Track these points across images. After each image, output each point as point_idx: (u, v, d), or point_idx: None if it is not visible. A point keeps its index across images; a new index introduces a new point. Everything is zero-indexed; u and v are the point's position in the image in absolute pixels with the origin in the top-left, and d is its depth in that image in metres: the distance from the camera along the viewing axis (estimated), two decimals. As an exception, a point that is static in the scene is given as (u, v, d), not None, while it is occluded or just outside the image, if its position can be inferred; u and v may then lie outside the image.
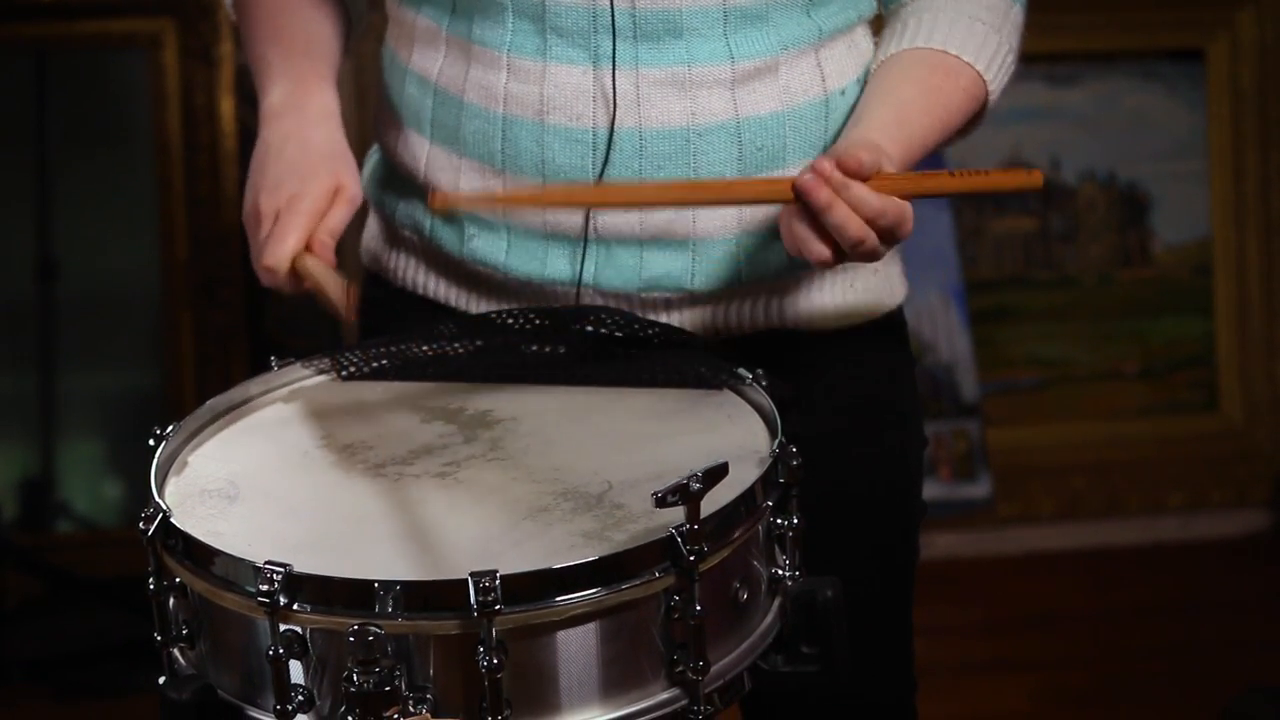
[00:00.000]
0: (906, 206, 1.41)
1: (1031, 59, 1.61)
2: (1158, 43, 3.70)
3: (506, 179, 1.54)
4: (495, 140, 1.54)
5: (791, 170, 1.54)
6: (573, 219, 1.53)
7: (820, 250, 1.41)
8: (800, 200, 1.40)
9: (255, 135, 1.56)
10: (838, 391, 1.63)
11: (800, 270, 1.59)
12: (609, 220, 1.53)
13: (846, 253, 1.41)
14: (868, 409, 1.66)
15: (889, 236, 1.41)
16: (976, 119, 1.59)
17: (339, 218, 1.49)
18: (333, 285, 1.42)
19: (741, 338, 1.59)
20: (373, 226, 1.72)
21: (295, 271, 1.46)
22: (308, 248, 1.47)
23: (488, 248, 1.58)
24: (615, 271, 1.54)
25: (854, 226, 1.39)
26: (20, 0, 3.39)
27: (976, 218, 3.68)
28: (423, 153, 1.60)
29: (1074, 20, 3.60)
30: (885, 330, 1.67)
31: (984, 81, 1.56)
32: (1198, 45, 3.70)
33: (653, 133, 1.51)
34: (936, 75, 1.55)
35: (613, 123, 1.51)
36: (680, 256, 1.55)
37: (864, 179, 1.39)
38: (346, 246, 1.84)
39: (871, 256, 1.42)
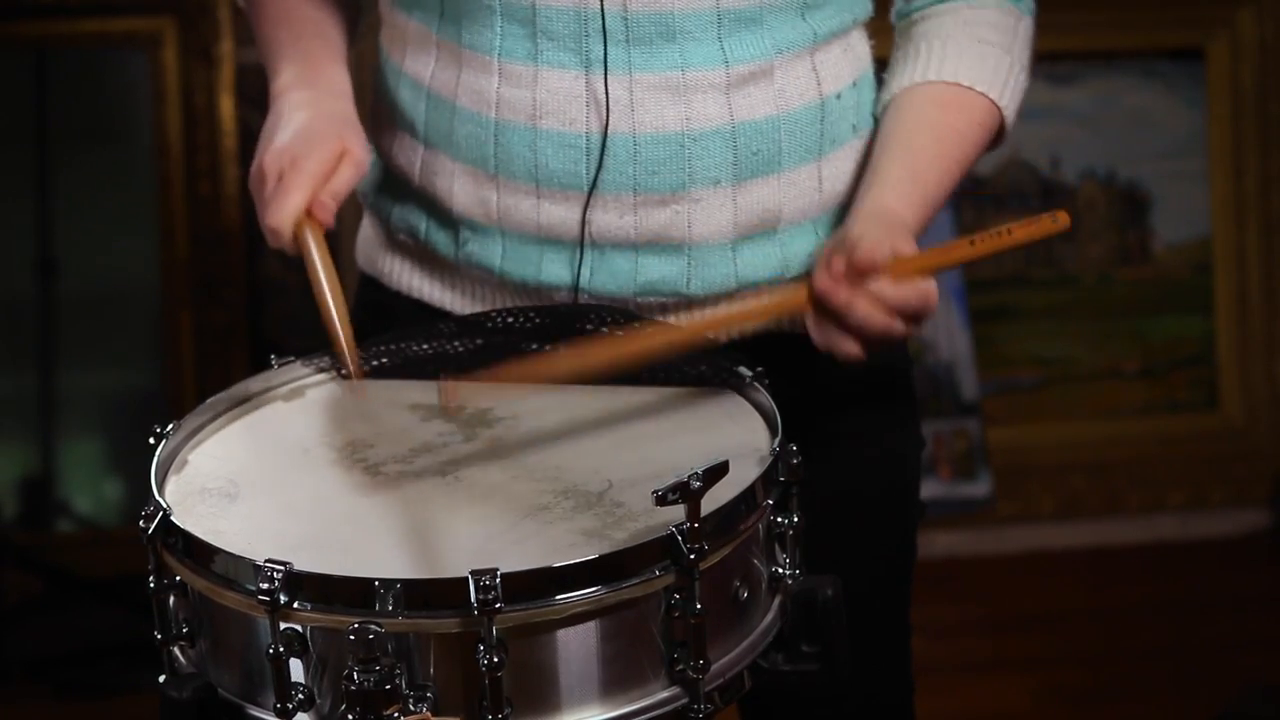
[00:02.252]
0: (929, 288, 1.42)
1: (1030, 71, 1.61)
2: (1158, 42, 3.70)
3: (500, 183, 1.54)
4: (488, 145, 1.54)
5: (786, 175, 1.55)
6: (568, 224, 1.53)
7: (850, 347, 1.43)
8: (819, 305, 1.42)
9: (255, 134, 1.56)
10: (834, 393, 1.63)
11: (795, 273, 1.58)
12: (604, 225, 1.53)
13: (874, 342, 1.42)
14: (864, 410, 1.66)
15: (915, 320, 1.42)
16: (995, 143, 1.60)
17: (343, 179, 1.50)
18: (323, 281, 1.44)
19: (741, 340, 1.59)
20: (367, 230, 1.72)
21: (297, 237, 1.47)
22: (309, 211, 1.47)
23: (483, 252, 1.57)
24: (610, 276, 1.54)
25: (878, 320, 1.41)
26: (20, 0, 3.39)
27: (977, 217, 3.68)
28: (416, 157, 1.60)
29: (1074, 19, 3.60)
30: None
31: (998, 110, 1.57)
32: (1198, 44, 3.70)
33: (646, 138, 1.51)
34: (949, 113, 1.55)
35: (606, 128, 1.51)
36: (676, 261, 1.54)
37: (880, 272, 1.40)
38: (343, 248, 1.84)
39: (898, 341, 1.44)
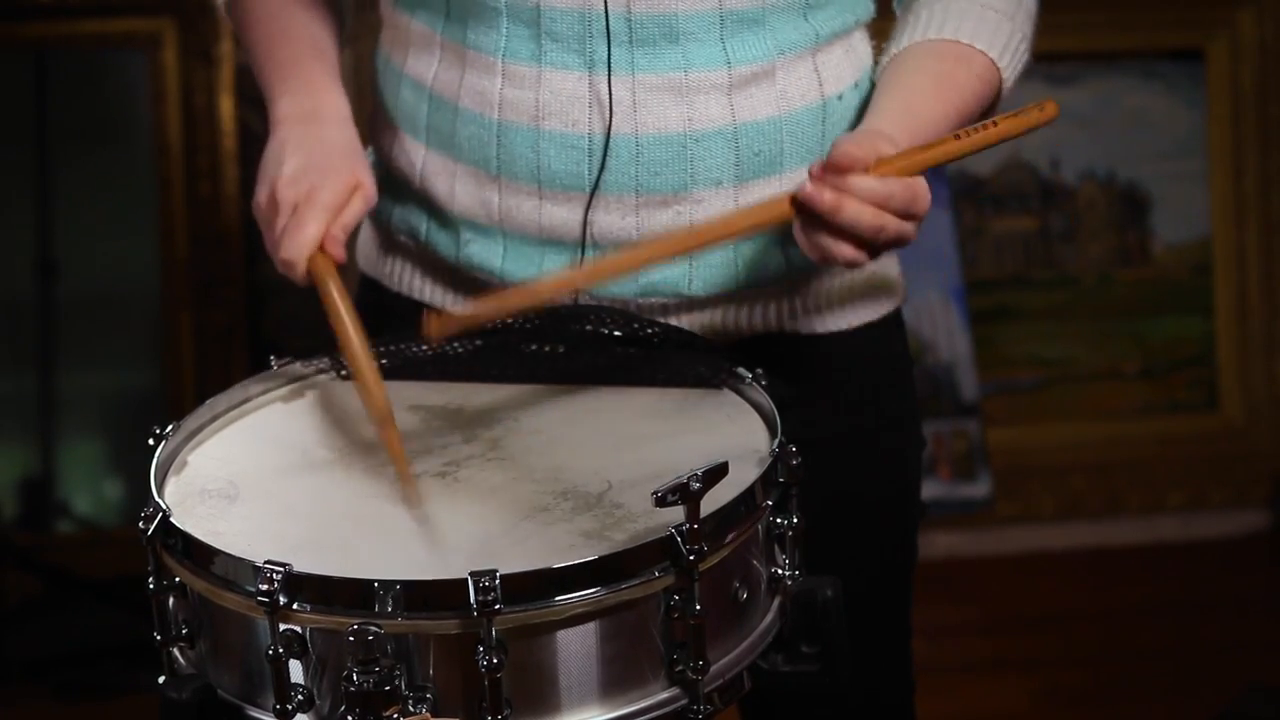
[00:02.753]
0: (916, 182, 1.38)
1: (1032, 44, 1.60)
2: (1158, 42, 3.70)
3: (502, 184, 1.54)
4: (490, 146, 1.54)
5: (788, 176, 1.54)
6: (569, 226, 1.53)
7: (846, 252, 1.37)
8: (806, 212, 1.37)
9: (255, 134, 1.56)
10: (836, 393, 1.63)
11: (798, 274, 1.58)
12: (606, 225, 1.53)
13: (871, 244, 1.38)
14: (866, 411, 1.65)
15: (908, 215, 1.38)
16: (992, 107, 1.57)
17: (354, 214, 1.49)
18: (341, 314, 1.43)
19: (739, 341, 1.59)
20: (367, 231, 1.72)
21: (311, 272, 1.46)
22: (321, 246, 1.46)
23: (484, 253, 1.57)
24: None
25: (867, 217, 1.36)
26: (20, 0, 3.39)
27: (977, 217, 3.68)
28: (418, 158, 1.60)
29: (1074, 20, 3.60)
30: (883, 332, 1.66)
31: (997, 68, 1.54)
32: (1198, 45, 3.70)
33: (649, 139, 1.51)
34: (947, 62, 1.53)
35: (609, 129, 1.51)
36: (678, 261, 1.54)
37: (861, 169, 1.37)
38: (353, 250, 1.84)
39: (900, 241, 1.39)
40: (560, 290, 1.49)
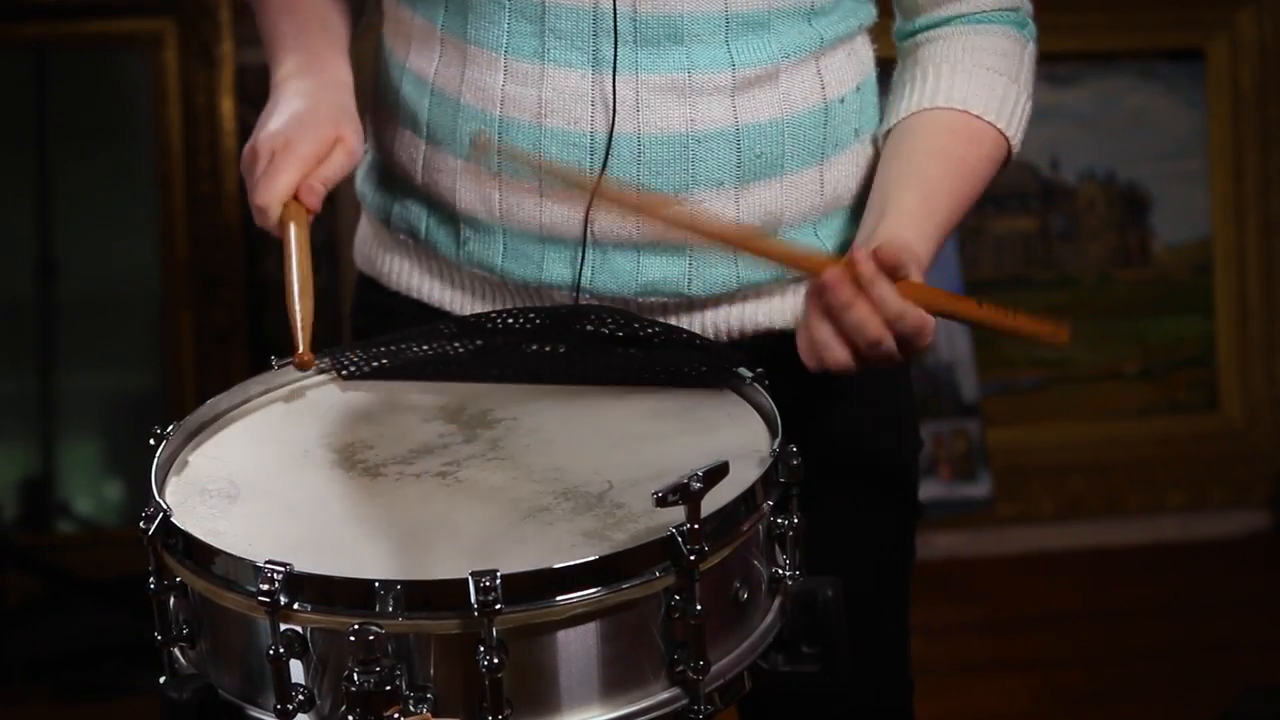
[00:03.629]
0: (928, 320, 1.40)
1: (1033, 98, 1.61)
2: (1158, 42, 3.70)
3: (503, 181, 1.54)
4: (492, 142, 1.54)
5: (790, 178, 1.55)
6: (570, 223, 1.53)
7: (839, 356, 1.39)
8: (823, 297, 1.39)
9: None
10: (834, 393, 1.63)
11: (798, 274, 1.58)
12: (606, 225, 1.53)
13: (864, 354, 1.39)
14: (863, 411, 1.66)
15: (907, 345, 1.40)
16: (1000, 173, 1.59)
17: (335, 166, 1.50)
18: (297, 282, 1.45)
19: (739, 341, 1.59)
20: (366, 229, 1.72)
21: (282, 219, 1.48)
22: (297, 195, 1.48)
23: (484, 251, 1.57)
24: (612, 276, 1.54)
25: (873, 326, 1.38)
26: (20, 0, 3.39)
27: (977, 218, 3.68)
28: (419, 153, 1.60)
29: (1074, 20, 3.60)
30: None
31: (1006, 140, 1.56)
32: (1198, 45, 3.70)
33: (651, 138, 1.51)
34: (960, 143, 1.54)
35: (612, 127, 1.51)
36: (678, 261, 1.54)
37: (893, 278, 1.39)
38: (344, 248, 1.84)
39: (887, 361, 1.41)
40: (581, 184, 1.51)
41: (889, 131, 1.58)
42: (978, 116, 1.54)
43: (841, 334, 1.39)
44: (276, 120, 1.51)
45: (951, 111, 1.55)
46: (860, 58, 1.61)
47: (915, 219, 1.48)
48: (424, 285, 1.64)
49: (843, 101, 1.57)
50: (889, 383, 1.68)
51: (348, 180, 1.57)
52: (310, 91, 1.54)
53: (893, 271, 1.39)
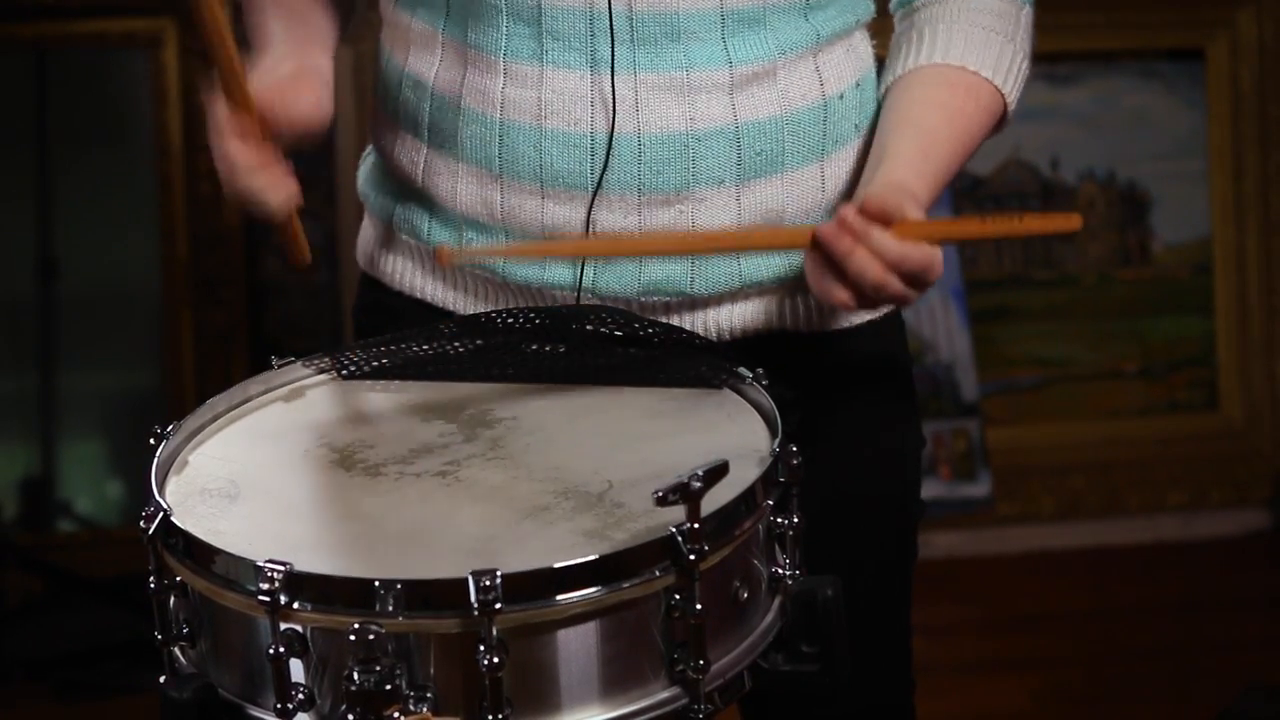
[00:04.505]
0: (933, 252, 1.41)
1: (1031, 59, 1.62)
2: (1158, 42, 3.71)
3: (504, 183, 1.54)
4: (493, 145, 1.54)
5: (790, 175, 1.55)
6: (572, 224, 1.53)
7: (841, 295, 1.41)
8: (821, 249, 1.41)
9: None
10: (836, 392, 1.63)
11: (799, 273, 1.59)
12: (609, 225, 1.53)
13: (871, 297, 1.41)
14: (866, 409, 1.66)
15: (916, 282, 1.41)
16: (995, 132, 1.60)
17: (301, 104, 1.48)
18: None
19: (741, 340, 1.59)
20: (368, 230, 1.72)
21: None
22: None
23: (486, 252, 1.58)
24: (614, 276, 1.54)
25: (873, 272, 1.39)
26: (20, 0, 3.39)
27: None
28: (420, 157, 1.60)
29: (1074, 20, 3.60)
30: (883, 331, 1.67)
31: (1002, 96, 1.57)
32: (1198, 45, 3.70)
33: (651, 138, 1.51)
34: (958, 96, 1.55)
35: (612, 128, 1.51)
36: (680, 261, 1.55)
37: (887, 224, 1.40)
38: (344, 249, 1.83)
39: (899, 301, 1.44)
40: (572, 253, 1.53)
41: (887, 90, 1.59)
42: (974, 72, 1.56)
43: (845, 282, 1.41)
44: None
45: (948, 67, 1.56)
46: (859, 54, 1.61)
47: (912, 162, 1.50)
48: (426, 285, 1.65)
49: (842, 98, 1.57)
50: (891, 380, 1.68)
51: (348, 181, 1.58)
52: (280, 71, 1.52)
53: (883, 218, 1.40)
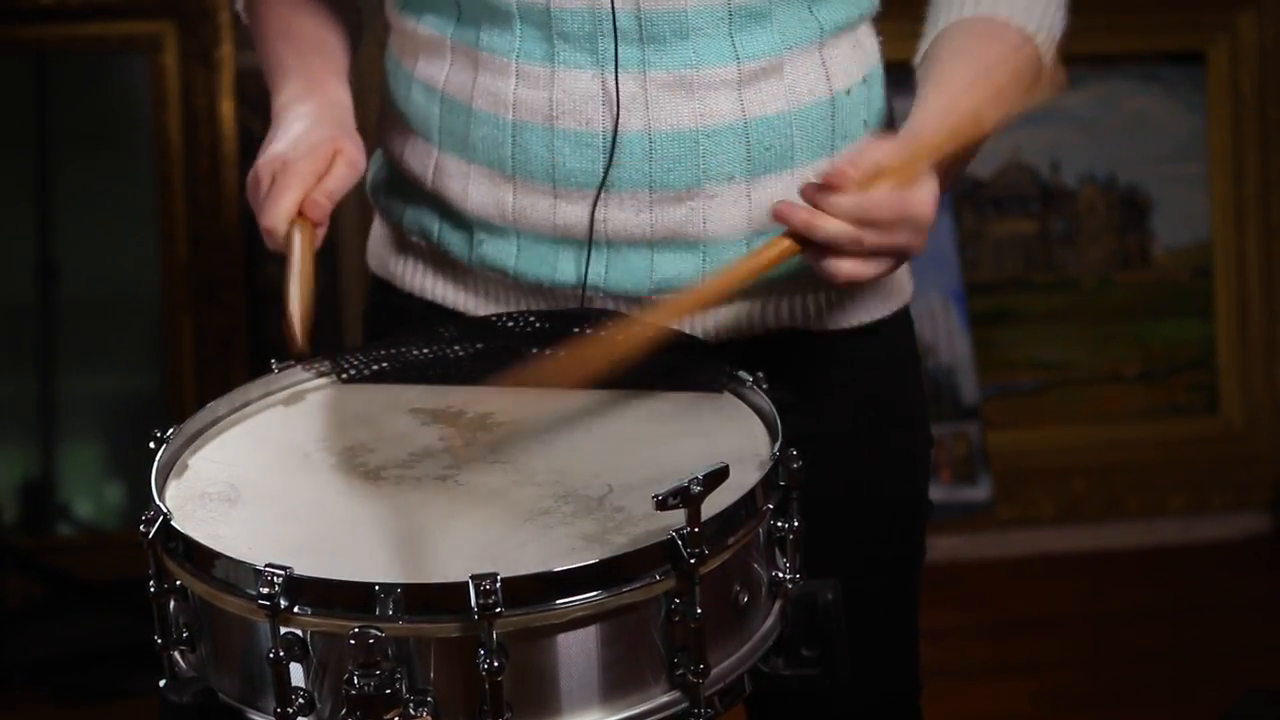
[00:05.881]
0: (907, 194, 1.41)
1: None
2: (1158, 45, 3.71)
3: (517, 184, 1.55)
4: (505, 146, 1.54)
5: (800, 171, 1.55)
6: (582, 222, 1.54)
7: (843, 268, 1.42)
8: (792, 235, 1.42)
9: (256, 138, 1.57)
10: (845, 391, 1.63)
11: (808, 272, 1.58)
12: (619, 223, 1.53)
13: (873, 259, 1.41)
14: (875, 409, 1.66)
15: (898, 228, 1.41)
16: (1034, 79, 1.58)
17: (337, 179, 1.53)
18: (296, 294, 1.48)
19: (751, 339, 1.59)
20: (379, 232, 1.73)
21: (289, 236, 1.51)
22: (302, 211, 1.50)
23: (496, 253, 1.58)
24: (626, 274, 1.55)
25: (843, 232, 1.40)
26: (20, 2, 3.40)
27: (977, 220, 3.69)
28: (430, 159, 1.60)
29: (1074, 22, 3.57)
30: (892, 330, 1.67)
31: (1034, 42, 1.57)
32: (1198, 48, 3.70)
33: (661, 135, 1.52)
34: (982, 41, 1.56)
35: (616, 125, 1.51)
36: (691, 258, 1.55)
37: (851, 186, 1.40)
38: (344, 248, 1.84)
39: (901, 251, 1.43)
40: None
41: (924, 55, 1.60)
42: (1004, 22, 1.56)
43: (832, 253, 1.41)
44: (276, 144, 1.54)
45: (977, 18, 1.56)
46: (865, 49, 1.61)
47: (933, 116, 1.49)
48: (436, 287, 1.65)
49: (849, 93, 1.58)
50: (901, 379, 1.68)
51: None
52: (308, 113, 1.56)
53: (840, 178, 1.40)
